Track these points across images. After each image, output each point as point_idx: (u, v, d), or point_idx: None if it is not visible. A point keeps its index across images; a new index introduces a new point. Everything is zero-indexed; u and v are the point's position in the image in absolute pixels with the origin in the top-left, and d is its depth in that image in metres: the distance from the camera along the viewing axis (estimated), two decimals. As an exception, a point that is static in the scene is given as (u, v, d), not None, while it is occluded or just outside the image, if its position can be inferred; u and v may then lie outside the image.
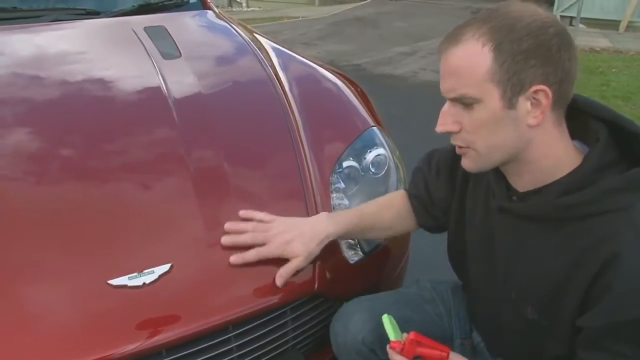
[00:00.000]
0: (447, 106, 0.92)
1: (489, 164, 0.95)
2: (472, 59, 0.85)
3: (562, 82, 0.85)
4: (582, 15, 8.00)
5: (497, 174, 1.00)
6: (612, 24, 8.67)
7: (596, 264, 0.85)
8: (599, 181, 0.87)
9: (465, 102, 0.88)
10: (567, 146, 0.91)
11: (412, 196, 1.24)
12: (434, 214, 1.22)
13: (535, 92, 0.84)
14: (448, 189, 1.17)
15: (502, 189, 0.99)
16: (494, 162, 0.94)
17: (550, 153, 0.90)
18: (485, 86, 0.85)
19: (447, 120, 0.92)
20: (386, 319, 1.01)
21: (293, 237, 1.14)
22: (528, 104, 0.85)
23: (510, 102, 0.85)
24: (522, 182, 0.95)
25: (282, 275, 1.11)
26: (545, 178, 0.91)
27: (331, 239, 1.17)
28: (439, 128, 0.93)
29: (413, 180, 1.25)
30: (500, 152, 0.91)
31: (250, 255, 1.11)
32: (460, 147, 0.95)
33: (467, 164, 0.96)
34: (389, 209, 1.25)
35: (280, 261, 1.13)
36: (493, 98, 0.85)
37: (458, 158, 1.11)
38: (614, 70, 6.00)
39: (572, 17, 8.66)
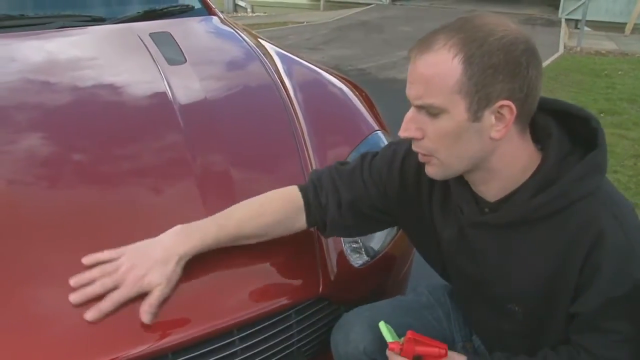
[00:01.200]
0: (411, 112, 0.92)
1: (453, 172, 0.96)
2: (441, 69, 0.85)
3: (527, 97, 0.86)
4: (588, 18, 7.99)
5: (462, 191, 1.00)
6: (618, 27, 8.66)
7: (583, 249, 0.89)
8: (563, 174, 0.90)
9: (431, 112, 0.88)
10: (530, 152, 0.93)
11: (333, 203, 1.14)
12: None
13: (501, 107, 0.85)
14: (388, 196, 1.13)
15: (471, 204, 1.00)
16: (457, 170, 0.95)
17: (515, 162, 0.91)
18: (452, 97, 0.86)
19: (410, 126, 0.92)
20: (382, 325, 1.03)
21: (146, 269, 1.01)
22: (492, 117, 0.86)
23: (475, 115, 0.86)
24: (491, 191, 0.96)
25: (147, 311, 0.98)
26: (513, 184, 0.93)
27: (187, 257, 1.05)
28: (402, 133, 0.93)
29: (350, 183, 1.15)
30: (463, 162, 0.92)
31: (106, 304, 0.97)
32: (423, 155, 0.95)
33: (430, 171, 0.97)
34: (263, 216, 1.12)
35: (276, 261, 1.14)
36: (459, 110, 0.86)
37: (406, 174, 1.11)
38: (619, 72, 5.99)
39: (577, 20, 8.66)
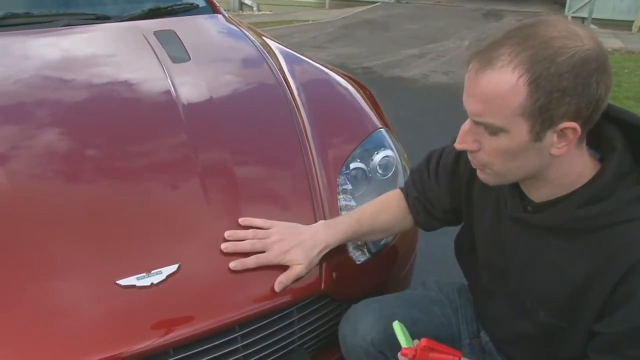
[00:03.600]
0: (468, 124, 0.89)
1: (506, 182, 0.95)
2: (504, 91, 0.80)
3: (593, 113, 0.82)
4: (594, 16, 7.95)
5: (511, 184, 0.99)
6: (625, 25, 8.60)
7: (619, 270, 0.85)
8: (619, 191, 0.86)
9: (490, 130, 0.86)
10: (586, 161, 0.90)
11: (413, 198, 1.23)
12: (435, 215, 1.22)
13: (564, 127, 0.82)
14: (448, 191, 1.17)
15: (516, 199, 0.98)
16: (511, 181, 0.94)
17: (570, 171, 0.89)
18: (514, 119, 0.82)
19: (467, 139, 0.89)
20: (397, 326, 1.01)
21: (293, 245, 1.14)
22: (555, 136, 0.83)
23: (537, 136, 0.83)
24: (539, 194, 0.94)
25: (282, 282, 1.11)
26: (563, 190, 0.91)
27: (330, 248, 1.18)
28: (458, 146, 0.91)
29: (412, 182, 1.24)
30: (519, 174, 0.91)
31: (250, 261, 1.12)
32: (477, 164, 0.94)
33: (483, 177, 0.96)
34: (385, 212, 1.25)
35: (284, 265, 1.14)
36: (520, 131, 0.83)
37: (459, 160, 1.13)
38: (626, 71, 5.95)
39: (583, 18, 8.60)
